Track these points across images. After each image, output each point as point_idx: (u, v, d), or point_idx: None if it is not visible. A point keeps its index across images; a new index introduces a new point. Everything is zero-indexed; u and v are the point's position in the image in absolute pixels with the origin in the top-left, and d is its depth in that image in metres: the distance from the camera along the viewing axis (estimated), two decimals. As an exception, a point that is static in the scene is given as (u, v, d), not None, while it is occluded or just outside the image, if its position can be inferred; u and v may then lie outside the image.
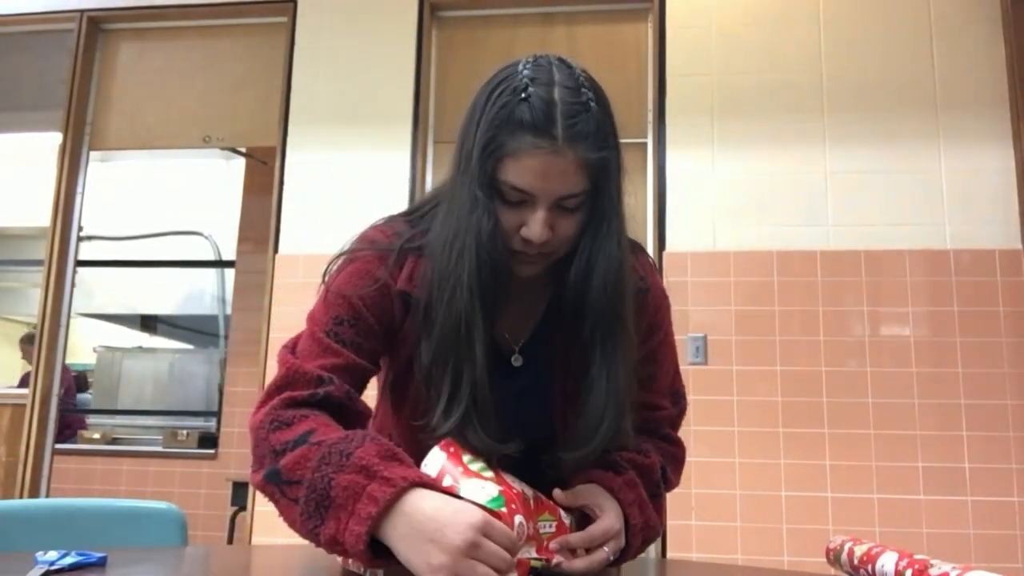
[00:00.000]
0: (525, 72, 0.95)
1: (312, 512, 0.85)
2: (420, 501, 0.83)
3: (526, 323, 1.08)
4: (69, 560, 0.89)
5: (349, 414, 0.97)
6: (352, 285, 1.02)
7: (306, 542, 0.89)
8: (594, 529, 0.96)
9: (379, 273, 1.03)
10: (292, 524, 0.89)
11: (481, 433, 0.93)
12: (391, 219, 1.11)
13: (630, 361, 1.00)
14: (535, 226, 0.94)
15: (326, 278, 1.07)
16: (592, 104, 0.94)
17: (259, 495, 3.12)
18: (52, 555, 0.90)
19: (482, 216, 0.94)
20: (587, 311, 0.98)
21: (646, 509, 1.03)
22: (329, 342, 0.99)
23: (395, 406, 1.09)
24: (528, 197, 0.94)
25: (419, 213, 1.09)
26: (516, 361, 1.07)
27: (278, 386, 0.97)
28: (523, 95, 0.93)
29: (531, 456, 0.98)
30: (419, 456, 0.93)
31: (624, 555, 1.01)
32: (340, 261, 1.07)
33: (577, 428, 0.99)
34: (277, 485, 0.89)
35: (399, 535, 0.82)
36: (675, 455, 1.16)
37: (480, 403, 0.94)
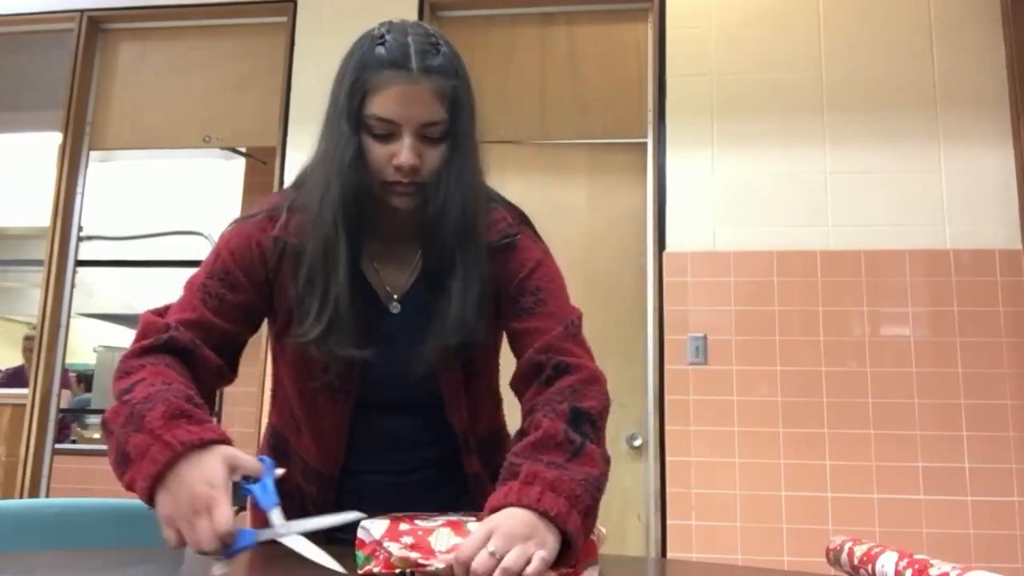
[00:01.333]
0: (381, 29, 1.10)
1: (119, 461, 0.93)
2: (180, 464, 0.89)
3: (405, 277, 1.18)
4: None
5: (194, 359, 1.05)
6: (227, 245, 1.13)
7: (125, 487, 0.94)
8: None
9: (251, 231, 1.13)
10: (112, 466, 0.95)
11: (343, 339, 1.05)
12: (281, 191, 1.23)
13: (482, 272, 1.11)
14: (404, 152, 1.04)
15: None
16: (441, 45, 1.08)
17: (259, 495, 3.13)
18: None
19: (345, 148, 1.06)
20: (446, 225, 1.08)
21: (560, 485, 0.92)
22: (194, 297, 1.10)
23: (279, 359, 1.20)
24: (394, 128, 1.05)
25: (301, 178, 1.18)
26: (394, 309, 1.17)
27: (132, 342, 1.07)
28: (380, 40, 1.07)
29: (422, 404, 1.15)
30: (309, 411, 1.14)
31: (570, 543, 0.91)
32: (229, 224, 1.18)
33: (441, 327, 1.09)
34: (104, 431, 0.97)
35: (165, 490, 0.89)
36: (581, 381, 1.06)
37: (344, 315, 1.06)
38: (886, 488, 2.85)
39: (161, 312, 1.11)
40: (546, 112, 3.43)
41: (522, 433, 1.03)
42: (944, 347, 2.92)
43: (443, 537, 0.90)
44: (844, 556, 0.99)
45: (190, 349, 1.05)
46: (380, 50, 1.06)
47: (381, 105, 1.04)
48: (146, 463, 0.89)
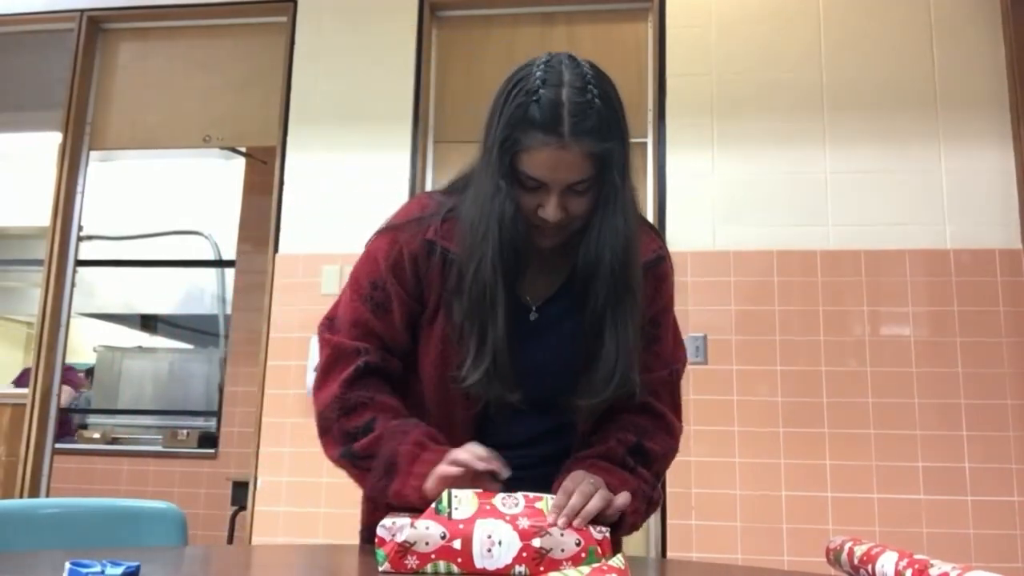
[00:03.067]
0: (538, 74, 1.09)
1: (381, 475, 1.12)
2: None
3: (548, 287, 1.23)
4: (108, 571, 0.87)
5: (385, 376, 1.20)
6: (385, 259, 1.20)
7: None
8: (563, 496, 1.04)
9: (405, 242, 1.20)
10: (363, 485, 1.17)
11: (498, 385, 1.12)
12: (429, 193, 1.28)
13: (636, 324, 1.15)
14: (549, 209, 1.10)
15: (368, 242, 1.25)
16: (596, 101, 1.08)
17: (259, 495, 3.13)
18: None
19: (504, 202, 1.10)
20: (599, 279, 1.13)
21: (625, 481, 1.13)
22: (362, 309, 1.20)
23: (421, 346, 1.24)
24: (542, 184, 1.09)
25: (455, 187, 1.24)
26: (532, 316, 1.22)
27: (326, 367, 1.21)
28: (535, 96, 1.07)
29: (548, 406, 1.19)
30: (441, 402, 1.20)
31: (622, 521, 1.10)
32: (380, 229, 1.24)
33: (591, 381, 1.14)
34: (352, 460, 1.15)
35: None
36: (656, 426, 1.22)
37: (499, 362, 1.12)
38: (886, 488, 2.86)
39: (334, 328, 1.23)
40: (546, 112, 3.43)
41: (585, 441, 1.20)
42: (944, 347, 2.92)
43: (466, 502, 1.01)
44: (844, 556, 0.99)
45: (381, 368, 1.20)
46: (534, 110, 1.06)
47: (532, 166, 1.08)
48: (419, 465, 1.09)
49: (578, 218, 1.12)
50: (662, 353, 1.24)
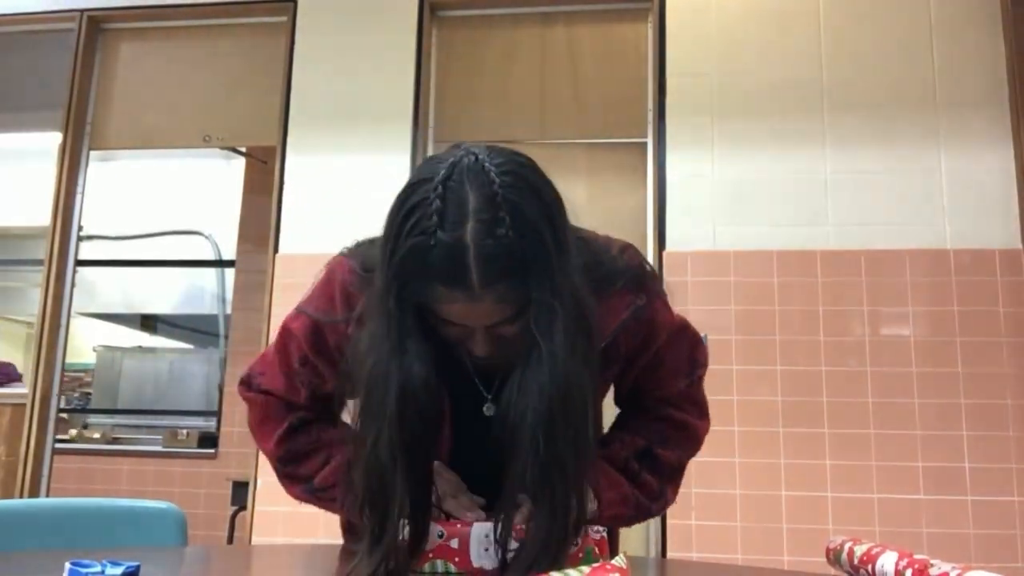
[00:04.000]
0: (436, 204, 0.86)
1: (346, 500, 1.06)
2: None
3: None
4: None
5: (323, 420, 1.17)
6: (305, 335, 1.14)
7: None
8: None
9: (327, 327, 1.12)
10: (337, 512, 1.16)
11: (397, 566, 0.91)
12: (351, 267, 1.11)
13: (575, 486, 0.94)
14: (477, 348, 0.95)
15: (288, 317, 1.19)
16: (510, 233, 0.86)
17: (259, 495, 3.13)
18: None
19: (411, 365, 0.91)
20: (519, 450, 0.91)
21: (612, 482, 1.11)
22: (292, 381, 1.16)
23: None
24: (455, 324, 0.93)
25: (368, 263, 1.04)
26: (488, 411, 1.09)
27: (260, 420, 1.19)
28: (432, 241, 0.86)
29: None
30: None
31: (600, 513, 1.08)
32: (300, 309, 1.18)
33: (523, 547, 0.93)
34: (315, 495, 1.14)
35: None
36: (675, 433, 1.20)
37: (393, 555, 0.91)
38: (886, 488, 2.85)
39: (247, 382, 1.20)
40: (546, 112, 3.43)
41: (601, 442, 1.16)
42: (944, 347, 2.92)
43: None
44: (844, 556, 0.99)
45: (316, 417, 1.17)
46: (432, 258, 0.86)
47: (440, 311, 0.91)
48: None
49: (518, 341, 0.92)
50: (677, 370, 1.21)
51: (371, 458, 0.91)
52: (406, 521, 0.92)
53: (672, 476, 1.20)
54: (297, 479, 1.15)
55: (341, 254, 1.16)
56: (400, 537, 0.91)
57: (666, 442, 1.18)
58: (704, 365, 1.24)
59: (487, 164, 0.89)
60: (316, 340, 1.13)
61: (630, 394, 1.24)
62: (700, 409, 1.24)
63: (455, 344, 0.97)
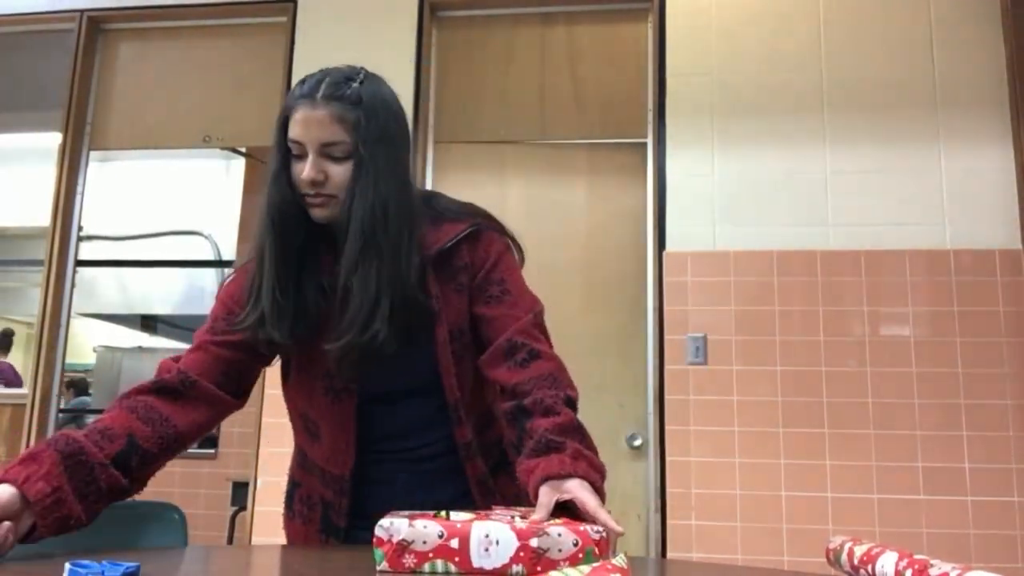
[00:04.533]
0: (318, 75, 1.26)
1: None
2: None
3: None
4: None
5: (184, 397, 1.20)
6: (224, 291, 1.31)
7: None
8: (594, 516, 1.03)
9: (242, 277, 1.29)
10: None
11: (271, 324, 1.20)
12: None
13: (388, 278, 1.19)
14: (306, 168, 1.19)
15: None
16: (357, 85, 1.22)
17: (260, 496, 3.13)
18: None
19: (278, 166, 1.22)
20: (349, 240, 1.19)
21: (592, 462, 1.12)
22: (202, 337, 1.27)
23: (288, 379, 1.34)
24: (302, 149, 1.20)
25: None
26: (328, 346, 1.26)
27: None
28: (304, 79, 1.24)
29: (418, 393, 1.28)
30: (318, 417, 1.28)
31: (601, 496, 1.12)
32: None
33: (337, 328, 1.19)
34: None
35: None
36: (556, 369, 1.24)
37: (269, 303, 1.20)
38: (886, 488, 2.85)
39: (177, 358, 1.27)
40: (546, 112, 3.43)
41: (521, 408, 1.18)
42: (944, 347, 2.92)
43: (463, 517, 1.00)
44: (844, 556, 0.99)
45: (178, 389, 1.20)
46: (301, 85, 1.23)
47: (291, 129, 1.21)
48: None
49: (340, 186, 1.20)
50: (519, 303, 1.29)
51: (256, 239, 1.23)
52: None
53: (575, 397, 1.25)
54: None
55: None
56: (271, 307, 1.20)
57: (559, 383, 1.21)
58: (542, 307, 1.32)
59: (359, 68, 1.29)
60: (235, 290, 1.30)
61: (490, 333, 1.28)
62: (550, 341, 1.30)
63: (300, 191, 1.22)
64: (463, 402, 1.28)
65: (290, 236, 1.23)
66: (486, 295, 1.29)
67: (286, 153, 1.23)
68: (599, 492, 1.08)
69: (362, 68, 1.29)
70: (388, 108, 1.25)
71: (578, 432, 1.15)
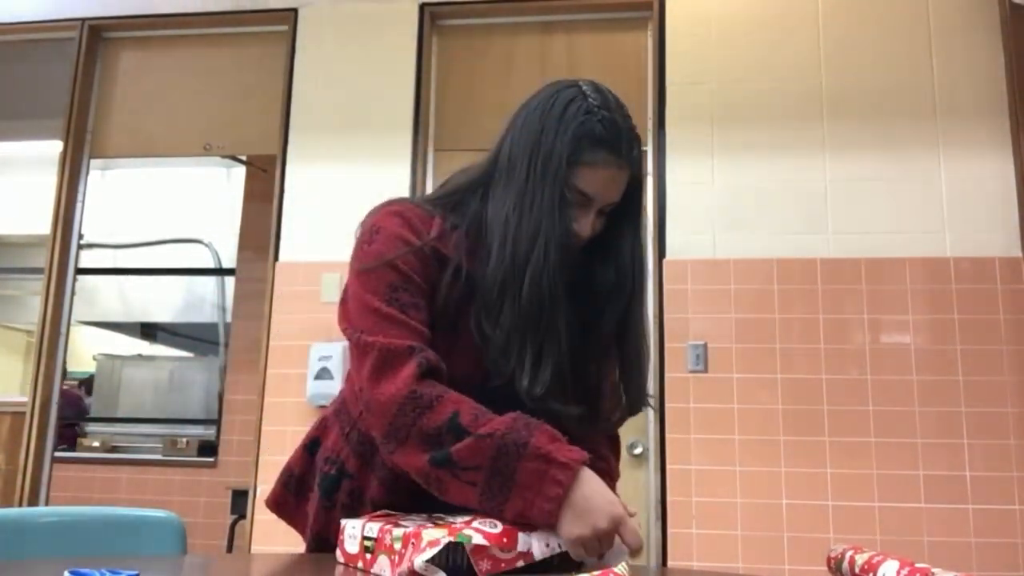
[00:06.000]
0: (591, 96, 1.14)
1: (496, 493, 0.98)
2: (582, 485, 0.98)
3: None
4: None
5: (440, 374, 1.07)
6: (392, 251, 1.11)
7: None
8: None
9: (410, 237, 1.13)
10: (466, 502, 1.00)
11: (558, 402, 1.08)
12: (403, 202, 1.20)
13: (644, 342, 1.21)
14: (586, 224, 1.13)
15: (355, 257, 1.15)
16: (637, 132, 1.17)
17: (259, 504, 3.12)
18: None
19: (566, 215, 1.11)
20: (617, 298, 1.17)
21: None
22: (393, 312, 1.08)
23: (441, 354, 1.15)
24: (587, 201, 1.12)
25: (445, 201, 1.20)
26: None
27: (377, 366, 1.05)
28: (598, 117, 1.12)
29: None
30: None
31: None
32: (366, 234, 1.15)
33: (607, 407, 1.20)
34: (449, 469, 1.00)
35: (572, 509, 0.97)
36: (617, 446, 1.30)
37: (566, 375, 1.11)
38: (887, 496, 2.85)
39: (361, 328, 1.09)
40: (546, 120, 3.43)
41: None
42: (944, 355, 2.92)
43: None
44: (845, 565, 0.99)
45: (436, 367, 1.07)
46: (599, 129, 1.11)
47: (586, 181, 1.11)
48: (548, 486, 0.96)
49: (597, 234, 1.16)
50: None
51: (532, 288, 1.08)
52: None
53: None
54: (424, 440, 1.01)
55: (387, 204, 1.20)
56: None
57: (617, 457, 1.31)
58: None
59: (603, 86, 1.20)
60: (407, 264, 1.11)
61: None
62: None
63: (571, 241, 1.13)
64: None
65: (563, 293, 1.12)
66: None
67: (563, 196, 1.11)
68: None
69: (622, 103, 1.20)
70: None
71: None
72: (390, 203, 1.19)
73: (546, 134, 1.12)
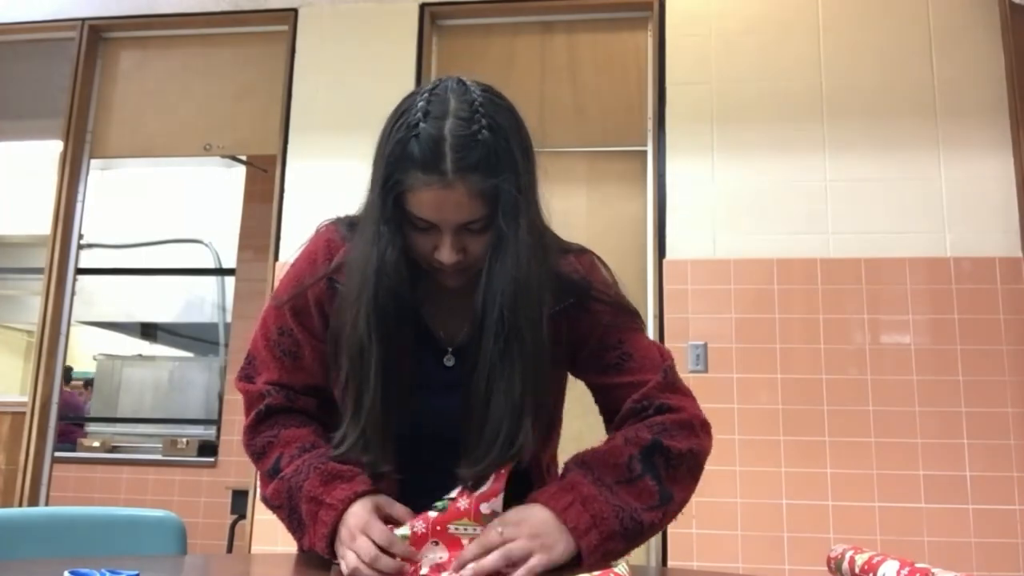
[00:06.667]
0: (420, 104, 0.99)
1: (295, 529, 1.08)
2: (347, 520, 1.00)
3: (463, 324, 1.11)
4: None
5: (293, 414, 1.14)
6: (287, 291, 1.15)
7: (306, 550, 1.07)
8: (474, 545, 0.96)
9: (306, 276, 1.14)
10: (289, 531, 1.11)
11: (372, 456, 1.03)
12: (336, 225, 1.21)
13: (533, 374, 1.01)
14: (444, 251, 1.00)
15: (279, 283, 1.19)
16: (484, 132, 0.97)
17: (259, 504, 3.12)
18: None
19: (384, 248, 1.01)
20: (485, 332, 1.01)
21: (592, 503, 0.98)
22: (271, 354, 1.15)
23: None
24: (433, 225, 1.00)
25: (355, 219, 1.16)
26: (448, 361, 1.13)
27: (245, 410, 1.16)
28: (415, 132, 0.97)
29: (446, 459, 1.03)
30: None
31: (581, 559, 0.96)
32: (294, 259, 1.20)
33: (474, 443, 1.01)
34: (272, 508, 1.12)
35: (339, 541, 1.01)
36: (676, 422, 1.10)
37: (372, 434, 1.03)
38: (887, 496, 2.85)
39: (250, 375, 1.17)
40: (546, 120, 3.44)
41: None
42: (945, 355, 2.92)
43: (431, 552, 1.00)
44: (845, 565, 0.99)
45: (286, 408, 1.14)
46: (413, 146, 0.96)
47: (417, 208, 0.98)
48: (319, 527, 1.01)
49: (479, 257, 1.02)
50: (644, 365, 1.13)
51: (351, 335, 1.03)
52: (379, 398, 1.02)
53: (688, 470, 1.10)
54: (262, 481, 1.13)
55: (322, 225, 1.23)
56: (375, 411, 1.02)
57: (668, 432, 1.07)
58: (671, 357, 1.18)
59: (469, 83, 1.05)
60: (299, 303, 1.14)
61: (614, 403, 1.14)
62: (689, 397, 1.16)
63: (427, 261, 1.04)
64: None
65: (394, 335, 1.03)
66: (603, 363, 1.13)
67: (403, 223, 1.01)
68: (578, 532, 0.95)
69: (477, 95, 1.03)
70: (520, 150, 1.03)
71: (614, 468, 1.01)
72: (324, 224, 1.22)
73: (376, 157, 1.04)
